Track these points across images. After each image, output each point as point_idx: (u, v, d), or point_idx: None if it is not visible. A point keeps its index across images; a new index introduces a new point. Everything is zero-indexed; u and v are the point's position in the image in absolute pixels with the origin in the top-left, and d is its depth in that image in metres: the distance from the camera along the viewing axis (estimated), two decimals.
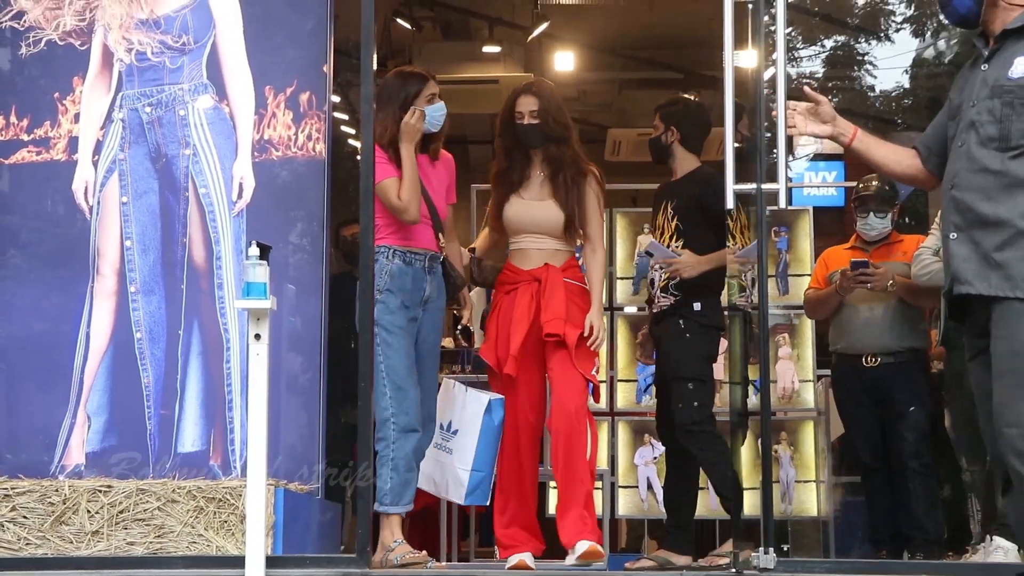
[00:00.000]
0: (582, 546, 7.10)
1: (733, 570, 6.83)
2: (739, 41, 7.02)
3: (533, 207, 7.44)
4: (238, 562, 6.30)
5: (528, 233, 7.46)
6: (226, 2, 7.40)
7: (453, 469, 7.38)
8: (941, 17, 9.61)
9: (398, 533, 7.21)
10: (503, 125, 7.66)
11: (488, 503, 7.65)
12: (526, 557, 7.27)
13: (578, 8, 12.57)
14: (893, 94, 10.21)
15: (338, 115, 8.57)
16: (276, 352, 6.78)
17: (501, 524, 7.55)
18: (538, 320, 7.32)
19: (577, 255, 8.06)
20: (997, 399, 5.20)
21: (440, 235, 7.42)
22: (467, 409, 7.43)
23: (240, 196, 7.37)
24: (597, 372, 7.55)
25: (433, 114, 7.39)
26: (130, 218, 7.36)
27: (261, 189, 7.36)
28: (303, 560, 6.77)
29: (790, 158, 7.43)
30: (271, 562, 6.37)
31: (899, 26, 9.75)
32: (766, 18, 7.12)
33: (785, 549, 7.52)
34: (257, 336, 6.26)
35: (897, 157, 5.91)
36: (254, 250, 6.25)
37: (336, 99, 7.89)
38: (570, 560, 7.24)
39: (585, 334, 7.29)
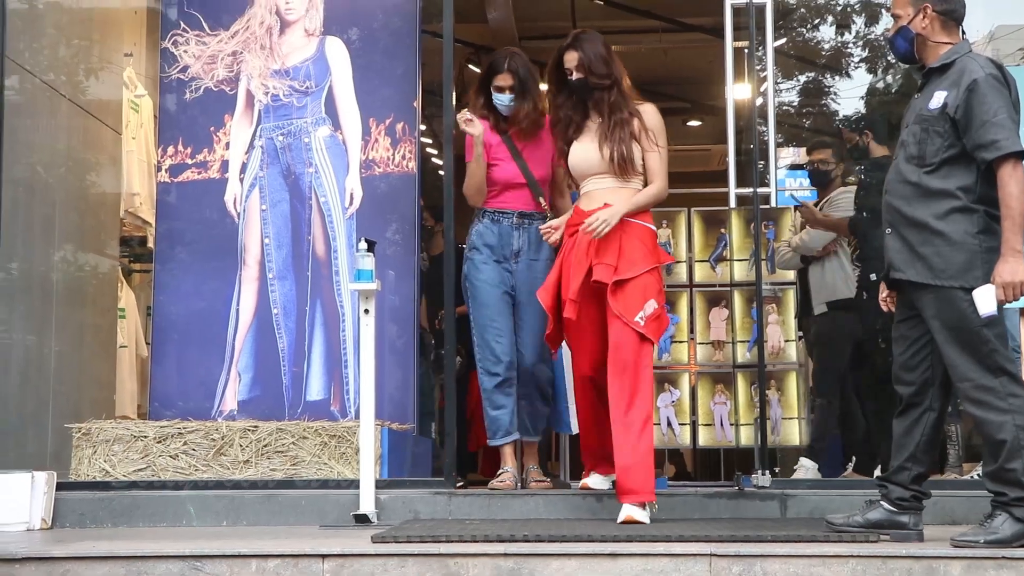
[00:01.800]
0: (624, 511, 5.77)
1: (737, 488, 6.95)
2: (736, 77, 7.14)
3: (588, 149, 6.14)
4: (354, 484, 6.40)
5: (590, 176, 6.18)
6: (339, 55, 7.50)
7: None
8: (888, 57, 9.72)
9: (506, 461, 6.76)
10: (554, 81, 6.39)
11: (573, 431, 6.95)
12: (590, 480, 6.46)
13: None
14: (852, 117, 10.23)
15: (425, 140, 8.65)
16: (380, 323, 6.81)
17: (584, 455, 6.60)
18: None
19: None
20: (947, 362, 5.25)
21: (540, 198, 6.62)
22: None
23: (351, 203, 7.44)
24: (654, 314, 5.90)
25: (497, 102, 6.69)
26: (268, 221, 7.47)
27: (367, 198, 7.45)
28: (402, 483, 6.82)
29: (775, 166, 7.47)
30: (379, 484, 6.46)
31: (856, 65, 9.76)
32: (757, 59, 7.25)
33: (776, 471, 7.59)
34: (366, 311, 6.30)
35: None
36: (363, 245, 6.31)
37: (423, 127, 7.94)
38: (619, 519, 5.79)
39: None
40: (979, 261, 5.20)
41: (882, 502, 5.52)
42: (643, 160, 6.15)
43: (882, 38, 9.65)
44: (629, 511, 5.73)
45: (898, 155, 5.53)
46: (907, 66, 6.65)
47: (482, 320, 6.58)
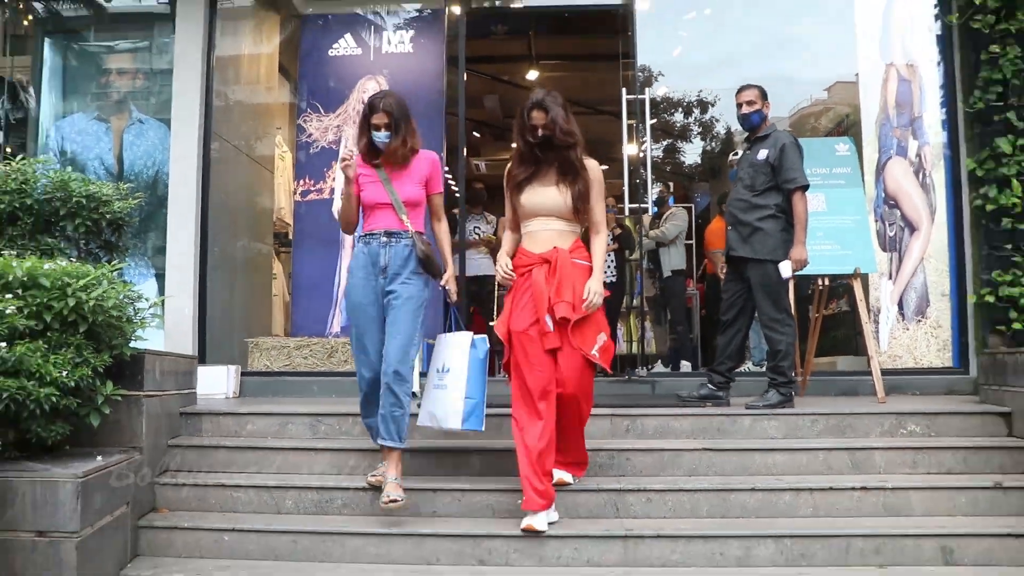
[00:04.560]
0: (560, 475, 4.49)
1: (627, 377, 7.06)
2: (629, 140, 7.20)
3: (543, 191, 4.33)
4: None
5: (538, 216, 4.35)
6: None
7: (449, 401, 4.41)
8: (714, 131, 9.82)
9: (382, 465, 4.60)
10: (519, 135, 4.46)
11: (483, 428, 4.41)
12: (533, 520, 4.16)
13: None
14: (693, 165, 10.30)
15: (448, 176, 8.68)
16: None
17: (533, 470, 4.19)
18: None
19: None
20: (757, 304, 5.46)
21: (403, 216, 4.43)
22: (454, 349, 4.49)
23: None
24: (604, 345, 4.29)
25: (374, 138, 4.50)
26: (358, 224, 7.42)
27: None
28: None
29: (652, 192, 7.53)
30: (421, 374, 6.23)
31: (694, 136, 9.83)
32: (640, 131, 7.33)
33: (649, 367, 7.68)
34: None
35: None
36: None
37: (446, 168, 7.93)
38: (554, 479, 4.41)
39: (583, 296, 4.22)
40: (781, 246, 5.44)
41: (708, 384, 5.66)
42: (586, 210, 4.40)
43: (709, 120, 9.74)
44: (558, 476, 4.47)
45: (736, 185, 5.68)
46: (736, 134, 6.84)
47: (354, 337, 4.51)
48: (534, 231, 4.40)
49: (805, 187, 5.42)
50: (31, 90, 7.61)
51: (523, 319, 4.30)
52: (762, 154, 5.52)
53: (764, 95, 5.66)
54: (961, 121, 6.96)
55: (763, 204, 5.48)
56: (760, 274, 5.43)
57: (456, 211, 7.73)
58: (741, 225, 5.53)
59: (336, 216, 4.56)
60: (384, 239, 4.48)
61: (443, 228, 4.70)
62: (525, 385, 4.24)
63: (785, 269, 5.36)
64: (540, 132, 4.34)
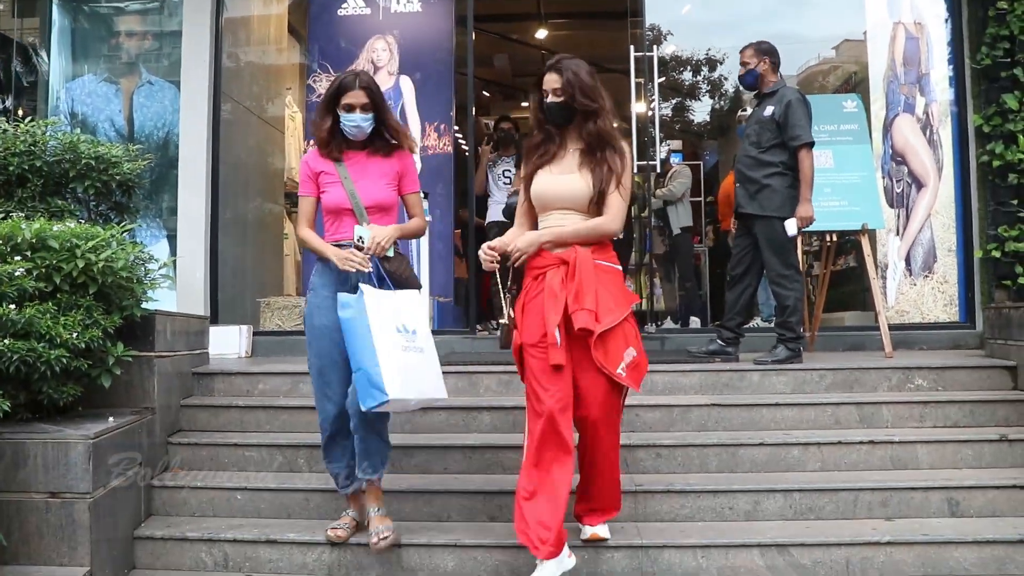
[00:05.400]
0: (586, 531, 3.76)
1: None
2: (637, 98, 7.07)
3: (561, 180, 3.55)
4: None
5: (555, 209, 3.58)
6: (408, 86, 7.28)
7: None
8: (721, 91, 9.69)
9: (349, 503, 4.01)
10: (536, 103, 3.64)
11: (376, 405, 3.44)
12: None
13: None
14: (702, 123, 10.16)
15: (457, 134, 8.53)
16: (432, 241, 6.71)
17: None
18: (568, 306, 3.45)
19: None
20: (765, 261, 5.37)
21: (365, 223, 3.63)
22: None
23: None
24: (632, 363, 3.49)
25: (345, 124, 3.66)
26: None
27: (424, 168, 7.17)
28: (445, 331, 6.86)
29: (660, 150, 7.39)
30: (433, 332, 6.39)
31: (703, 94, 9.68)
32: (648, 89, 7.19)
33: (658, 323, 7.62)
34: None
35: None
36: (421, 194, 6.19)
37: (456, 127, 7.81)
38: (582, 536, 3.75)
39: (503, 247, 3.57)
40: (788, 202, 5.33)
41: (717, 339, 5.59)
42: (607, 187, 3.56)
43: (718, 79, 9.59)
44: (593, 531, 3.78)
45: (744, 142, 5.58)
46: (745, 91, 6.75)
47: (316, 368, 3.75)
48: (550, 227, 3.62)
49: (810, 144, 5.30)
50: (42, 53, 7.49)
51: (534, 330, 3.53)
52: (768, 111, 5.43)
53: (762, 52, 5.56)
54: (968, 78, 6.88)
55: (769, 161, 5.38)
56: (767, 230, 5.35)
57: (485, 153, 7.75)
58: (749, 182, 5.45)
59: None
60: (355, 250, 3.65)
61: (415, 222, 3.88)
62: (535, 410, 3.47)
63: (791, 227, 5.28)
64: (550, 98, 3.59)
